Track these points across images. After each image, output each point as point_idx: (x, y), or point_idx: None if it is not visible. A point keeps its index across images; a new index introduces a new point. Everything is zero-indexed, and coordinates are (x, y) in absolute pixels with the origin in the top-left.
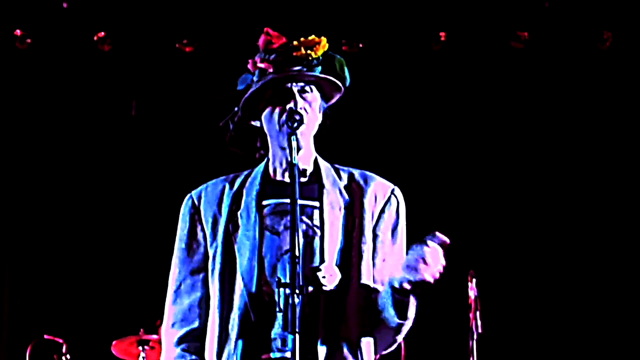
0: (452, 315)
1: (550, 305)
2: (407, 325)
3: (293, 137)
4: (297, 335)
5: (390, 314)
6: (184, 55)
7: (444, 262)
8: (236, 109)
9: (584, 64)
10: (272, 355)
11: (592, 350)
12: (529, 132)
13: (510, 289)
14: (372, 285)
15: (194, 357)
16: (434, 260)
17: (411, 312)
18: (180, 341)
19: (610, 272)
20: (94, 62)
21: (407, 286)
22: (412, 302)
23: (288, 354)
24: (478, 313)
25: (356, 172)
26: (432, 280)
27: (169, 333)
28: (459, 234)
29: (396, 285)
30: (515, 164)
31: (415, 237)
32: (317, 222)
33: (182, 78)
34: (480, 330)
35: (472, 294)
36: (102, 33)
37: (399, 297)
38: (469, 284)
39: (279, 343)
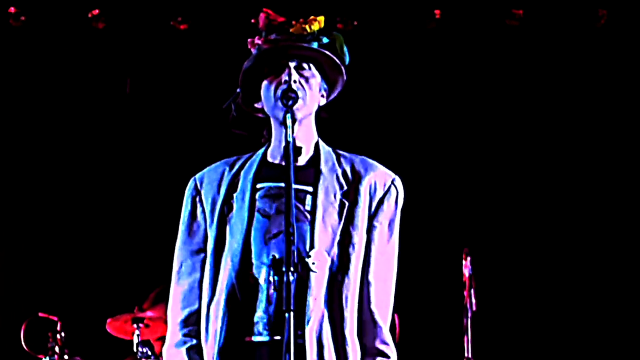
0: (446, 293)
1: (545, 283)
2: None
3: (288, 115)
4: (292, 314)
5: None
6: (179, 33)
7: None
8: (238, 90)
9: (578, 42)
10: (253, 338)
11: (587, 328)
12: (523, 111)
13: (505, 267)
14: (360, 274)
15: (194, 341)
16: None
17: None
18: (183, 324)
19: (604, 248)
20: (88, 39)
21: None
22: None
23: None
24: (472, 291)
25: (357, 159)
26: None
27: (173, 313)
28: (454, 212)
29: None
30: (510, 142)
31: (413, 217)
32: (309, 207)
33: (177, 56)
34: (474, 308)
35: (466, 271)
36: (97, 10)
37: None
38: (464, 261)
39: (260, 327)
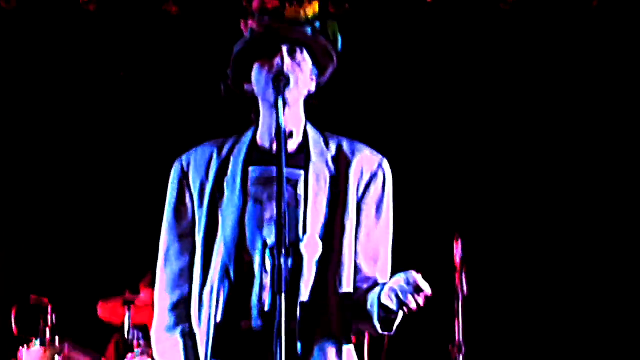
0: (437, 277)
1: (535, 267)
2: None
3: (279, 98)
4: (283, 295)
5: (375, 324)
6: (170, 16)
7: (429, 292)
8: (228, 70)
9: (571, 24)
10: (247, 323)
11: (578, 312)
12: (517, 94)
13: (496, 251)
14: (353, 258)
15: (186, 325)
16: (420, 289)
17: (396, 323)
18: (173, 307)
19: (594, 233)
20: (80, 21)
21: (392, 307)
22: (399, 316)
23: (262, 323)
24: (463, 274)
25: (345, 142)
26: (414, 308)
27: (161, 297)
28: (445, 195)
29: (383, 302)
30: (502, 126)
31: (403, 201)
32: (300, 192)
33: (168, 38)
34: (465, 292)
35: (457, 255)
36: None
37: (384, 314)
38: (454, 245)
39: (255, 312)
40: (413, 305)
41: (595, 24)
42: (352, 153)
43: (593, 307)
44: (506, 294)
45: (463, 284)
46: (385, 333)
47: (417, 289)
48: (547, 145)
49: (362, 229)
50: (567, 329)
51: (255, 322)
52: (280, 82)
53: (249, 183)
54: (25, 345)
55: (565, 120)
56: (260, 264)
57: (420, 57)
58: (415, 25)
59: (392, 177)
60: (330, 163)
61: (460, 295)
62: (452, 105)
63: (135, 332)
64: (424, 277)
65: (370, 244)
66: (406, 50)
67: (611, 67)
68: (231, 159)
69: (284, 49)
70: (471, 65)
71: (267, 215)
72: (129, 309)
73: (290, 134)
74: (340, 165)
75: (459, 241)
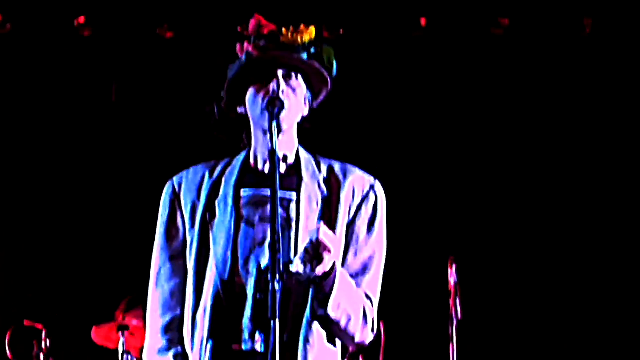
0: (431, 301)
1: (530, 291)
2: (352, 325)
3: (274, 123)
4: (277, 321)
5: (316, 303)
6: (164, 41)
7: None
8: (222, 93)
9: (564, 51)
10: (243, 347)
11: (573, 336)
12: (509, 119)
13: (491, 275)
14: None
15: (179, 347)
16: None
17: (335, 306)
18: (164, 330)
19: (588, 255)
20: (74, 47)
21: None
22: (340, 296)
23: (257, 346)
24: (458, 299)
25: (336, 165)
26: (322, 271)
27: (153, 320)
28: (439, 219)
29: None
30: (495, 149)
31: (397, 225)
32: (293, 214)
33: (163, 63)
34: (459, 317)
35: (452, 279)
36: (82, 18)
37: (315, 287)
38: (449, 269)
39: (246, 335)
40: (316, 259)
41: (587, 51)
42: (344, 175)
43: (589, 332)
44: (501, 318)
45: (458, 309)
46: (324, 311)
47: (316, 246)
48: (541, 170)
49: (351, 248)
50: (563, 352)
51: (247, 344)
52: (275, 107)
53: (241, 205)
54: None
55: (558, 146)
56: (253, 286)
57: (413, 82)
58: (408, 50)
59: (386, 200)
60: (322, 185)
61: (454, 320)
62: (446, 129)
63: (129, 356)
64: (418, 301)
65: (358, 261)
66: (399, 75)
67: (603, 93)
68: (223, 180)
69: (280, 74)
70: (464, 90)
71: (259, 237)
72: (123, 335)
73: (285, 159)
74: (332, 187)
75: (454, 265)
